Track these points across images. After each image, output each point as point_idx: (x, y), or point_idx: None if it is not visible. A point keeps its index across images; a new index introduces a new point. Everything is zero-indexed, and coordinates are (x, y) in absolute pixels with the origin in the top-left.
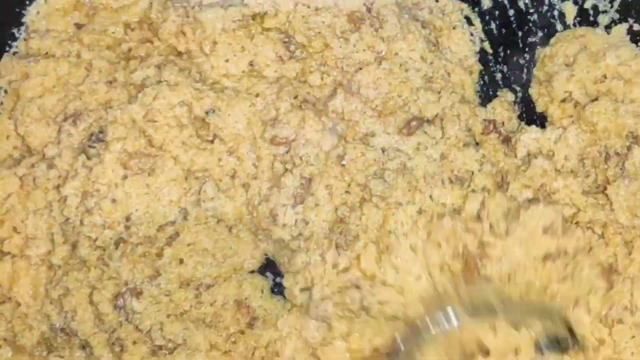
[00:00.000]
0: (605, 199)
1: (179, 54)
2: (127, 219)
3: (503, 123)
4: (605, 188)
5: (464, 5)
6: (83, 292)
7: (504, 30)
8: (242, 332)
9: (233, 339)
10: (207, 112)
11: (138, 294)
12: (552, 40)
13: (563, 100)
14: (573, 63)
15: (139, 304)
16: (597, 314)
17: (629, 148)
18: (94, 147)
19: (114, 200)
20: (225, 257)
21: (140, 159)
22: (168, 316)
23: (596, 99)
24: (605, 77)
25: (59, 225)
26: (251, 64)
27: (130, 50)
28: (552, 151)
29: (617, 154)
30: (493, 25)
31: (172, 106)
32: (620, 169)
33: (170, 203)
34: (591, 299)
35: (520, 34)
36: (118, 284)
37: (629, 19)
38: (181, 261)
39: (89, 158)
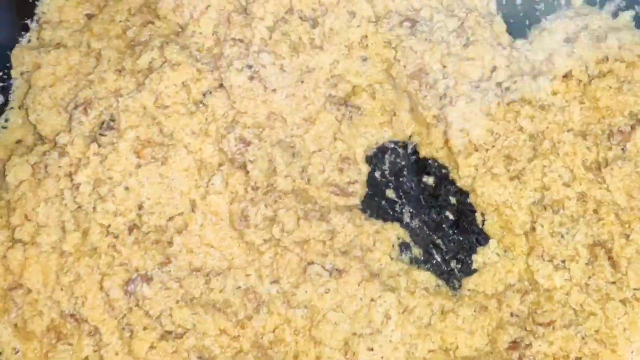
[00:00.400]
0: (603, 178)
1: (179, 33)
2: (140, 207)
3: None
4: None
5: None
6: (94, 278)
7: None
8: (250, 318)
9: (242, 324)
10: (204, 94)
11: (148, 280)
12: (553, 15)
13: (565, 76)
14: (574, 41)
15: (149, 289)
16: (577, 282)
17: (632, 127)
18: (105, 135)
19: (127, 188)
20: (230, 252)
21: (154, 147)
22: (177, 302)
23: (603, 76)
24: (607, 58)
25: (71, 212)
26: None
27: (135, 36)
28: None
29: (621, 131)
30: None
31: (177, 87)
32: (622, 149)
33: (181, 194)
34: (572, 265)
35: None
36: (128, 270)
37: (635, 6)
38: (191, 250)
39: (100, 146)
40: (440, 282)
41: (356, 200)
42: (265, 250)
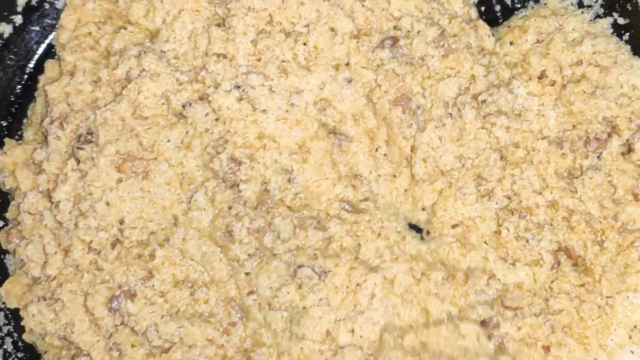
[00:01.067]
0: (575, 188)
1: (153, 39)
2: (121, 222)
3: None
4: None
5: None
6: (78, 302)
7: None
8: (234, 324)
9: (226, 331)
10: (184, 106)
11: (132, 296)
12: (528, 12)
13: (540, 77)
14: (548, 42)
15: (133, 306)
16: (542, 285)
17: (609, 135)
18: (83, 149)
19: (108, 204)
20: (212, 267)
21: (134, 161)
22: (162, 317)
23: (577, 81)
24: (581, 62)
25: (52, 232)
26: None
27: (109, 44)
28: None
29: (597, 139)
30: None
31: (157, 98)
32: (598, 157)
33: (163, 209)
34: (536, 269)
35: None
36: (111, 287)
37: (613, 14)
38: (174, 263)
39: (78, 161)
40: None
41: (367, 217)
42: (247, 264)
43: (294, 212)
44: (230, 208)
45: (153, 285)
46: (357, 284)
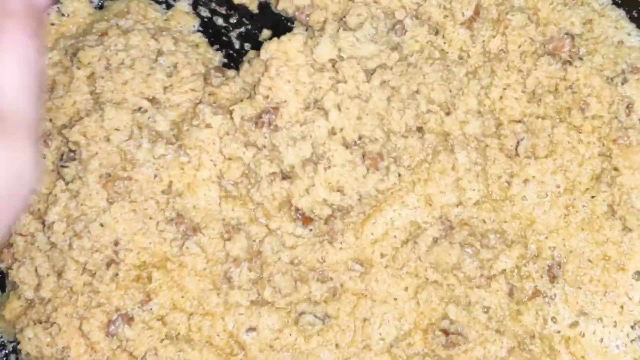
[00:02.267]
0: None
1: None
2: (116, 243)
3: None
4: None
5: None
6: (74, 325)
7: None
8: (235, 354)
9: (227, 354)
10: None
11: (129, 320)
12: None
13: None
14: None
15: (131, 330)
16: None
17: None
18: (67, 167)
19: (102, 225)
20: (209, 302)
21: (115, 181)
22: (162, 340)
23: None
24: None
25: (45, 254)
26: None
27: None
28: None
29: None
30: None
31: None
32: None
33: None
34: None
35: None
36: (108, 311)
37: None
38: (171, 287)
39: (64, 179)
40: None
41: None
42: (249, 308)
43: (294, 265)
44: (230, 255)
45: (151, 309)
46: (365, 319)
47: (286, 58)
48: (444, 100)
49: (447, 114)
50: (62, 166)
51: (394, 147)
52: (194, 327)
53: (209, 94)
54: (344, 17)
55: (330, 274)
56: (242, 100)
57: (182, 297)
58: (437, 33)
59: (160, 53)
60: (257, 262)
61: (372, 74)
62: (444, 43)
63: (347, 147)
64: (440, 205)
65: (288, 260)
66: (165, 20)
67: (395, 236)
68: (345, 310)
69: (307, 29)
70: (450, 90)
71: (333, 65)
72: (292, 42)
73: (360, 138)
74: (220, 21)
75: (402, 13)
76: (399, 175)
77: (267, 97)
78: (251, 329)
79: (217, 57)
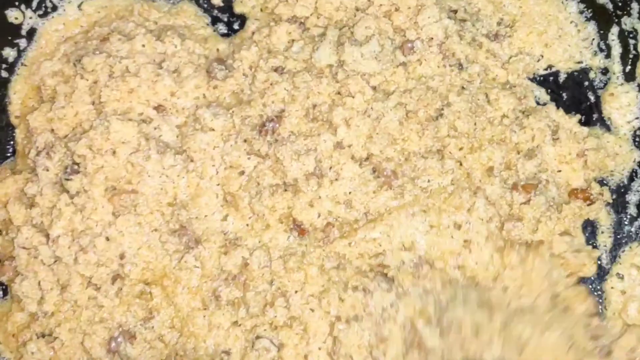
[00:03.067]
0: None
1: None
2: (122, 256)
3: None
4: None
5: None
6: (76, 340)
7: None
8: None
9: None
10: None
11: (131, 337)
12: None
13: None
14: None
15: (133, 349)
16: None
17: None
18: (72, 180)
19: (107, 239)
20: (194, 323)
21: (121, 195)
22: None
23: None
24: None
25: (48, 267)
26: None
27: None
28: None
29: None
30: None
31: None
32: None
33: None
34: None
35: None
36: (110, 327)
37: None
38: (171, 304)
39: (69, 192)
40: None
41: None
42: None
43: (271, 284)
44: (223, 270)
45: (152, 327)
46: (305, 356)
47: None
48: (467, 130)
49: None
50: (67, 179)
51: (414, 167)
52: (180, 350)
53: (214, 88)
54: (352, 26)
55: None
56: (241, 103)
57: (175, 316)
58: (461, 69)
59: (165, 55)
60: (242, 278)
61: (389, 95)
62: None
63: (356, 162)
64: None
65: (269, 279)
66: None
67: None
68: (294, 342)
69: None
70: (475, 124)
71: (332, 74)
72: None
73: (368, 157)
74: (223, 28)
75: (413, 33)
76: (415, 196)
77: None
78: (225, 352)
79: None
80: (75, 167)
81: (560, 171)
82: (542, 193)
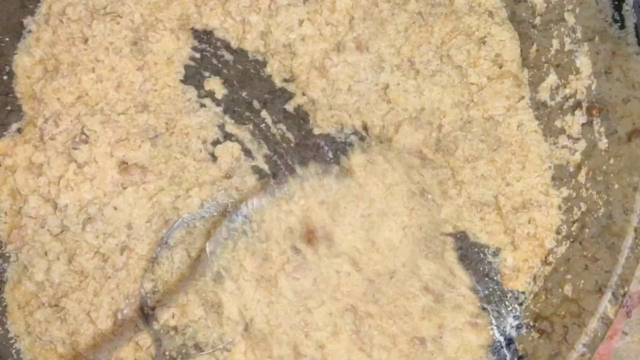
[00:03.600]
0: None
1: None
2: (129, 227)
3: None
4: None
5: None
6: (82, 311)
7: None
8: None
9: None
10: None
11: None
12: None
13: None
14: None
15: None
16: None
17: None
18: (79, 149)
19: (115, 208)
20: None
21: (130, 168)
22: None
23: None
24: None
25: (55, 237)
26: None
27: None
28: None
29: None
30: None
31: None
32: None
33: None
34: None
35: None
36: (116, 299)
37: None
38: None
39: (76, 162)
40: None
41: None
42: None
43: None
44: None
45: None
46: None
47: None
48: None
49: None
50: (74, 148)
51: None
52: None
53: None
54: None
55: None
56: None
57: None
58: None
59: None
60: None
61: None
62: None
63: None
64: None
65: None
66: None
67: None
68: None
69: None
70: None
71: None
72: None
73: None
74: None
75: None
76: None
77: None
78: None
79: None
80: (84, 136)
81: None
82: None
